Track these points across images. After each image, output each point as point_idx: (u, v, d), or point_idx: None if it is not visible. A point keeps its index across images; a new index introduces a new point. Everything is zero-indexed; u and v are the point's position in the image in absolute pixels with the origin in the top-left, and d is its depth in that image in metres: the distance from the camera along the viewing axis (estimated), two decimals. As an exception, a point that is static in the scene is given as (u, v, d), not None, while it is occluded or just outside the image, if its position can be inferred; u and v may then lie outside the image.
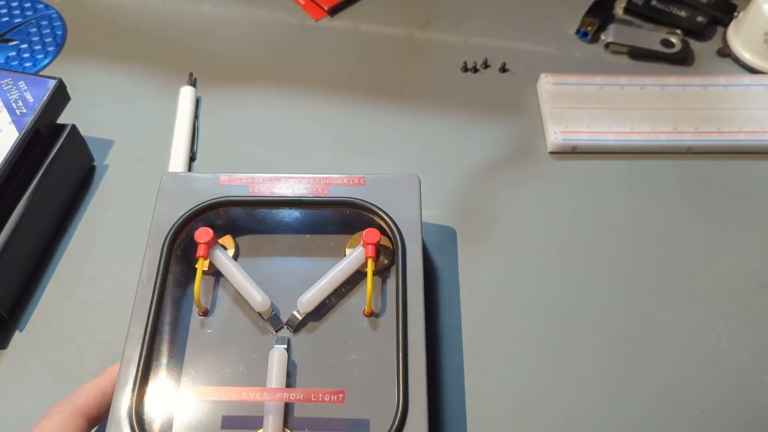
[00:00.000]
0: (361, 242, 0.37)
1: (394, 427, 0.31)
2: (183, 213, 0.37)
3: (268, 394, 0.32)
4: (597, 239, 0.44)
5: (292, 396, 0.33)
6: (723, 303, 0.41)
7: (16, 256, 0.40)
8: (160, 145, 0.48)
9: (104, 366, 0.35)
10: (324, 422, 0.33)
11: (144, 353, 0.33)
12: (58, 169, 0.43)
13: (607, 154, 0.48)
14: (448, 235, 0.44)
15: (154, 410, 0.33)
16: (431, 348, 0.39)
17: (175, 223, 0.37)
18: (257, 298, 0.36)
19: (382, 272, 0.38)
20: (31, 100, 0.42)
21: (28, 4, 0.57)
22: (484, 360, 0.39)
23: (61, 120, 0.44)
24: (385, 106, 0.51)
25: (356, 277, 0.38)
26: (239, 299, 0.37)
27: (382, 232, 0.38)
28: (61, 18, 0.57)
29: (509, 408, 0.37)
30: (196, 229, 0.37)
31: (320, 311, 0.37)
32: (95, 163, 0.48)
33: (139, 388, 0.32)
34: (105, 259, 0.43)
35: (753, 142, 0.48)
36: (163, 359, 0.34)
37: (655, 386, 0.38)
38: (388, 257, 0.38)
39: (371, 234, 0.37)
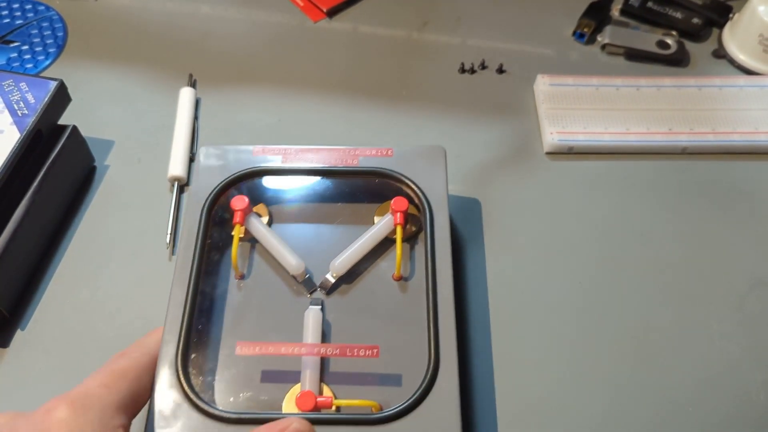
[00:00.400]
0: (390, 210, 0.39)
1: (426, 381, 0.32)
2: (220, 182, 0.39)
3: (306, 348, 0.34)
4: (592, 239, 0.45)
5: (329, 351, 0.34)
6: (717, 302, 0.42)
7: (17, 256, 0.40)
8: (160, 146, 0.48)
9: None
10: (359, 377, 0.35)
11: (186, 313, 0.35)
12: (59, 169, 0.43)
13: (603, 154, 0.49)
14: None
15: (197, 366, 0.34)
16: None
17: (213, 190, 0.39)
18: (292, 261, 0.37)
19: (410, 239, 0.40)
20: (33, 101, 0.43)
21: (29, 6, 0.58)
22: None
23: (62, 121, 0.45)
24: (383, 107, 0.52)
25: (385, 245, 0.40)
26: (274, 264, 0.39)
27: (410, 200, 0.39)
28: (62, 19, 0.57)
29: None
30: (232, 197, 0.39)
31: (351, 275, 0.38)
32: (96, 164, 0.48)
33: (183, 345, 0.33)
34: (106, 258, 0.44)
35: (747, 143, 0.49)
36: (204, 319, 0.36)
37: (648, 384, 0.39)
38: (416, 225, 0.40)
39: (400, 202, 0.39)
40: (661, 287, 0.42)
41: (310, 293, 0.38)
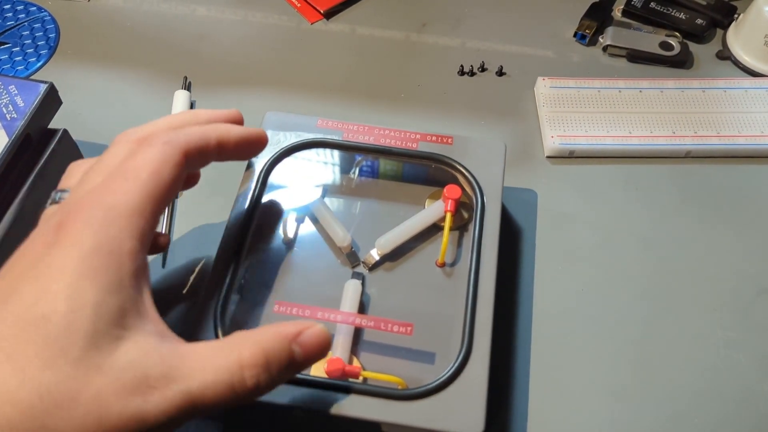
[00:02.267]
0: (442, 197, 0.39)
1: (455, 366, 0.32)
2: (280, 149, 0.40)
3: (341, 316, 0.34)
4: (595, 245, 0.44)
5: (363, 322, 0.34)
6: (722, 309, 0.41)
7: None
8: (153, 150, 0.48)
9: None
10: (391, 349, 0.35)
11: (233, 266, 0.35)
12: (49, 175, 0.42)
13: (605, 158, 0.48)
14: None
15: (238, 318, 0.35)
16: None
17: (274, 155, 0.40)
18: (339, 233, 0.38)
19: (459, 228, 0.40)
20: (22, 104, 0.42)
21: (20, 7, 0.57)
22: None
23: (52, 125, 0.44)
24: (382, 109, 0.51)
25: (433, 230, 0.40)
26: (322, 233, 0.39)
27: (463, 190, 0.39)
28: (54, 21, 0.56)
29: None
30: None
31: (395, 255, 0.39)
32: (88, 168, 0.47)
33: (223, 299, 0.34)
34: (97, 265, 0.43)
35: (753, 146, 0.48)
36: (249, 277, 0.37)
37: (653, 393, 0.38)
38: (468, 214, 0.40)
39: (453, 190, 0.39)
40: (665, 293, 0.42)
41: (353, 267, 0.38)
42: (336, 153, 0.42)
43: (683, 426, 0.37)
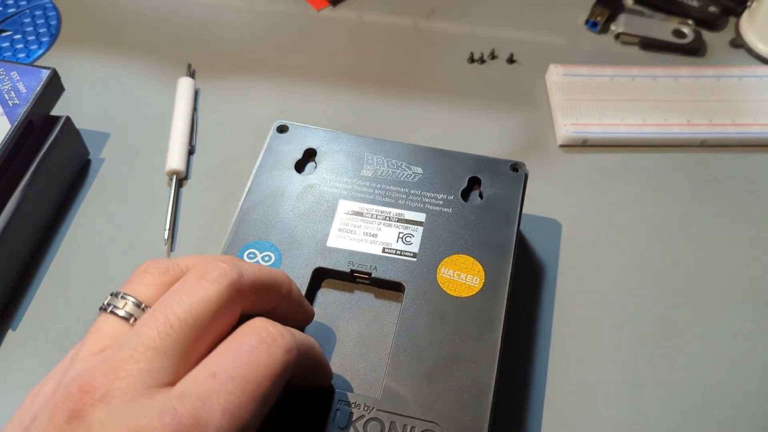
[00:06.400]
0: None
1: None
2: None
3: None
4: (609, 234, 0.43)
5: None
6: (740, 300, 0.40)
7: (8, 253, 0.39)
8: (157, 138, 0.47)
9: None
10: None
11: None
12: (52, 162, 0.42)
13: (619, 147, 0.47)
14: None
15: None
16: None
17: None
18: None
19: None
20: (24, 90, 0.41)
21: (21, -6, 0.56)
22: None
23: (55, 112, 0.43)
24: (389, 97, 0.50)
25: None
26: None
27: None
28: (55, 7, 0.55)
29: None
30: None
31: None
32: (90, 157, 0.46)
33: None
34: (100, 255, 0.42)
35: (769, 135, 0.47)
36: None
37: (670, 387, 0.37)
38: None
39: None
40: (681, 284, 0.41)
41: None
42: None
43: (702, 419, 0.36)
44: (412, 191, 0.36)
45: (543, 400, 0.36)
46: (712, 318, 0.39)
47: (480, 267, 0.34)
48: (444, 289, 0.33)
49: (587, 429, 0.35)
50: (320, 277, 0.34)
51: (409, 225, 0.35)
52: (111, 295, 0.25)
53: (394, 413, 0.29)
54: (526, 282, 0.40)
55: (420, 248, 0.34)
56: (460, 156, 0.38)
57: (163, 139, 0.46)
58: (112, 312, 0.24)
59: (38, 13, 0.55)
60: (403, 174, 0.37)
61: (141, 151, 0.47)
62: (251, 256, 0.34)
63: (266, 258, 0.34)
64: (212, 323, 0.23)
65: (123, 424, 0.20)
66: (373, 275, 0.33)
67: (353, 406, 0.29)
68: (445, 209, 0.36)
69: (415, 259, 0.34)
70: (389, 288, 0.33)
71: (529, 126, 0.48)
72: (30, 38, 0.53)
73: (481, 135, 0.48)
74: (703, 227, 0.43)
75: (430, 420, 0.29)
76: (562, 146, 0.47)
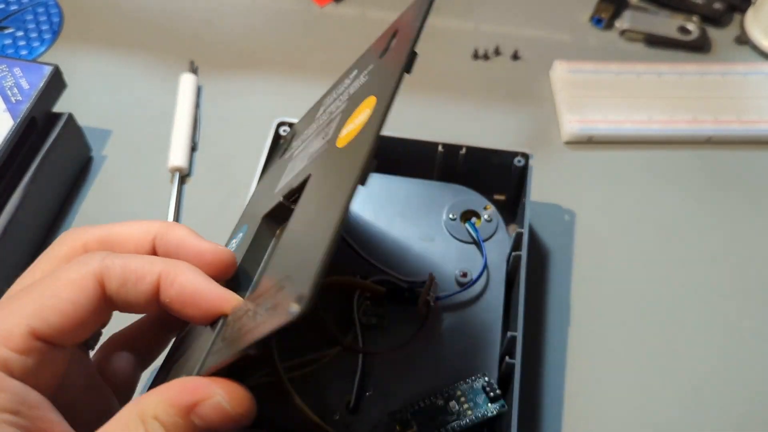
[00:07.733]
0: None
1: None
2: None
3: None
4: (614, 231, 0.43)
5: None
6: (748, 298, 0.40)
7: (10, 250, 0.38)
8: (160, 135, 0.46)
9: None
10: None
11: None
12: (54, 159, 0.41)
13: (624, 143, 0.47)
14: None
15: None
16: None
17: None
18: None
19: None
20: (27, 87, 0.40)
21: (23, -10, 0.55)
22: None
23: (57, 109, 0.43)
24: (394, 94, 0.50)
25: None
26: None
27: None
28: (57, 4, 0.55)
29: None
30: None
31: None
32: (93, 154, 0.46)
33: None
34: (104, 252, 0.41)
35: (775, 132, 0.47)
36: None
37: (678, 385, 0.37)
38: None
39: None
40: (688, 281, 0.40)
41: None
42: None
43: (709, 417, 0.36)
44: None
45: (563, 397, 0.36)
46: (719, 314, 0.39)
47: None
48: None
49: (605, 415, 0.35)
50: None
51: None
52: None
53: None
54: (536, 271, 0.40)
55: None
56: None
57: (166, 135, 0.46)
58: None
59: (41, 9, 0.54)
60: None
61: (143, 148, 0.46)
62: None
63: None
64: None
65: None
66: None
67: None
68: None
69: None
70: None
71: (533, 123, 0.48)
72: (32, 35, 0.53)
73: (485, 132, 0.47)
74: (709, 224, 0.43)
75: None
76: (567, 143, 0.47)
